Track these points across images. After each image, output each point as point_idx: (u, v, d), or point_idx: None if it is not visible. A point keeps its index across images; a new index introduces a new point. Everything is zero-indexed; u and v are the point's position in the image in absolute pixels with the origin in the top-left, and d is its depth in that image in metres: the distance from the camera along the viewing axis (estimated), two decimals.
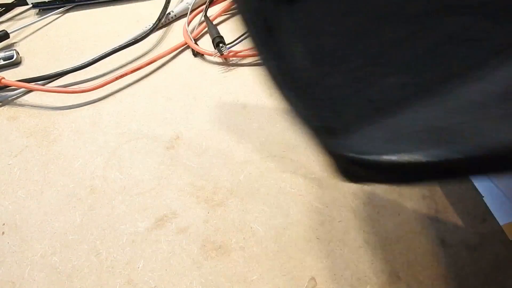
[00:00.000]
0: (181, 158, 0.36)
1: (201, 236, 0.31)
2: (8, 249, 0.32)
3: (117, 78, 0.43)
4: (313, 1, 0.21)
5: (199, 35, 0.47)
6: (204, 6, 0.48)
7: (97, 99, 0.42)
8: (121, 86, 0.43)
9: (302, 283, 0.28)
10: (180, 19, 0.51)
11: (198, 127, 0.38)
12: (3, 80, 0.43)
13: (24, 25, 0.52)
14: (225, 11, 0.49)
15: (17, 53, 0.48)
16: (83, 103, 0.42)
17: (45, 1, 0.54)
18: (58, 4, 0.54)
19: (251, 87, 0.41)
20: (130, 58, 0.46)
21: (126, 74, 0.43)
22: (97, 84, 0.42)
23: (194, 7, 0.49)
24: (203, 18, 0.48)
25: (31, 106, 0.43)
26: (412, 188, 0.32)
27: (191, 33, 0.46)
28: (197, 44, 0.45)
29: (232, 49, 0.43)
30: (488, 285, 0.27)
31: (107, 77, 0.43)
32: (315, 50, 0.20)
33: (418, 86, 0.17)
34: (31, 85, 0.43)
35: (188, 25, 0.47)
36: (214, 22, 0.48)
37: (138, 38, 0.46)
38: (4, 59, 0.47)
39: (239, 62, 0.44)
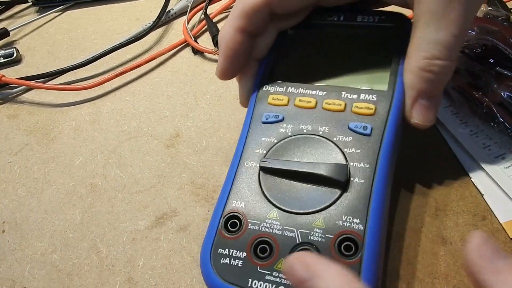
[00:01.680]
0: (181, 156, 0.36)
1: (202, 234, 0.31)
2: (8, 247, 0.32)
3: (116, 76, 0.43)
4: None
5: (199, 32, 0.47)
6: (204, 4, 0.48)
7: (97, 97, 0.42)
8: (121, 84, 0.43)
9: None
10: (180, 17, 0.51)
11: (198, 125, 0.38)
12: (3, 78, 0.43)
13: (24, 23, 0.52)
14: (225, 9, 0.49)
15: (17, 51, 0.48)
16: (83, 101, 0.42)
17: None
18: (58, 2, 0.54)
19: None
20: (130, 56, 0.46)
21: (125, 72, 0.43)
22: (97, 81, 0.42)
23: (194, 5, 0.49)
24: (203, 15, 0.48)
25: (31, 104, 0.43)
26: (412, 186, 0.32)
27: (191, 31, 0.46)
28: (197, 42, 0.45)
29: None
30: None
31: (107, 75, 0.43)
32: None
33: None
34: (31, 82, 0.43)
35: (188, 23, 0.47)
36: (214, 20, 0.48)
37: (138, 36, 0.46)
38: (4, 57, 0.47)
39: None
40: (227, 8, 0.49)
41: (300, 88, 0.29)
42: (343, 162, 0.26)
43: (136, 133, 0.39)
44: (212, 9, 0.48)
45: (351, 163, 0.26)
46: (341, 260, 0.23)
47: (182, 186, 0.34)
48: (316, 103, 0.28)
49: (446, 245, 0.29)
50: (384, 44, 0.30)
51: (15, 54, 0.47)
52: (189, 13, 0.48)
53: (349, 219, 0.24)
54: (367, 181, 0.25)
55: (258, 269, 0.24)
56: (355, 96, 0.28)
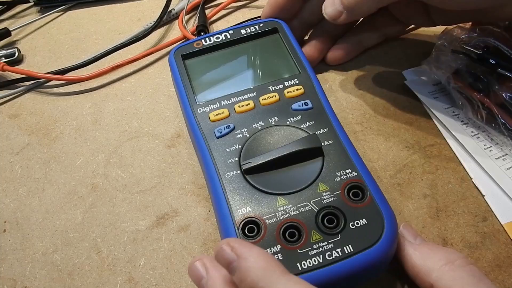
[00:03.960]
0: (182, 156, 0.36)
1: (202, 235, 0.31)
2: (9, 247, 0.32)
3: (113, 68, 0.44)
4: None
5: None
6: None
7: (98, 97, 0.43)
8: (122, 84, 0.43)
9: None
10: None
11: None
12: (4, 67, 0.44)
13: (25, 23, 0.52)
14: (224, 7, 0.49)
15: (19, 50, 0.48)
16: (84, 101, 0.42)
17: None
18: (59, 2, 0.54)
19: None
20: (131, 56, 0.46)
21: (122, 65, 0.44)
22: (93, 73, 0.44)
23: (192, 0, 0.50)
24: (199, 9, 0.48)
25: (33, 104, 0.43)
26: (413, 187, 0.32)
27: (187, 24, 0.46)
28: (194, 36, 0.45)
29: None
30: None
31: (103, 68, 0.44)
32: None
33: None
34: (32, 71, 0.44)
35: (184, 16, 0.47)
36: (214, 18, 0.48)
37: (140, 36, 0.46)
38: (6, 56, 0.47)
39: None
40: (226, 6, 0.49)
41: (231, 98, 0.32)
42: (307, 134, 0.30)
43: (137, 133, 0.39)
44: (212, 7, 0.49)
45: (313, 133, 0.30)
46: (358, 206, 0.26)
47: (183, 186, 0.34)
48: (254, 103, 0.32)
49: (447, 246, 0.29)
50: (274, 43, 0.36)
51: (16, 54, 0.47)
52: (186, 6, 0.48)
53: (343, 172, 0.28)
54: (335, 139, 0.29)
55: (299, 250, 0.25)
56: (281, 86, 0.33)
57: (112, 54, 0.45)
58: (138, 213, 0.33)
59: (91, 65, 0.45)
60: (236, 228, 0.26)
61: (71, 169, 0.37)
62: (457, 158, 0.33)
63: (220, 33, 0.37)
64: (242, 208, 0.27)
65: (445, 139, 0.34)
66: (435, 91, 0.37)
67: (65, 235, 0.33)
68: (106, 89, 0.43)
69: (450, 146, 0.34)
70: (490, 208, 0.30)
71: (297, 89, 0.32)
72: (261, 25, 0.37)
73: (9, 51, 0.48)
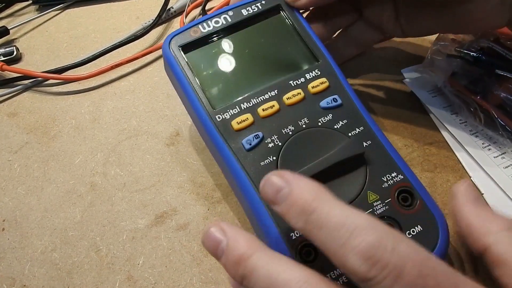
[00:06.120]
0: (181, 155, 0.36)
1: (201, 233, 0.31)
2: (8, 245, 0.32)
3: (112, 67, 0.44)
4: None
5: None
6: (203, 0, 0.48)
7: (97, 95, 0.42)
8: (121, 82, 0.43)
9: None
10: (180, 15, 0.50)
11: None
12: (3, 67, 0.44)
13: (24, 21, 0.52)
14: (224, 5, 0.49)
15: (17, 49, 0.48)
16: (83, 99, 0.42)
17: None
18: (58, 0, 0.54)
19: None
20: (130, 55, 0.46)
21: (121, 64, 0.44)
22: (92, 72, 0.43)
23: (193, 1, 0.49)
24: (201, 11, 0.47)
25: (31, 102, 0.43)
26: None
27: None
28: None
29: None
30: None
31: (102, 67, 0.44)
32: None
33: None
34: (30, 71, 0.44)
35: (185, 17, 0.47)
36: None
37: (138, 34, 0.46)
38: (4, 55, 0.47)
39: None
40: (226, 5, 0.49)
41: (251, 99, 0.28)
42: (345, 137, 0.26)
43: (136, 131, 0.39)
44: (212, 6, 0.48)
45: (349, 134, 0.27)
46: (411, 212, 0.24)
47: (182, 185, 0.34)
48: (278, 103, 0.28)
49: None
50: (281, 24, 0.31)
51: (15, 53, 0.47)
52: (187, 8, 0.48)
53: (389, 176, 0.25)
54: (373, 139, 0.26)
55: None
56: (303, 79, 0.28)
57: (111, 53, 0.45)
58: (137, 212, 0.33)
59: (90, 63, 0.45)
60: (294, 254, 0.23)
61: (70, 167, 0.37)
62: (456, 156, 0.33)
63: (219, 15, 0.31)
64: (294, 231, 0.24)
65: (443, 137, 0.34)
66: (434, 90, 0.37)
67: (64, 233, 0.33)
68: (105, 87, 0.43)
69: (448, 145, 0.34)
70: (489, 206, 0.30)
71: (322, 83, 0.28)
72: (263, 2, 0.31)
73: (7, 49, 0.47)
